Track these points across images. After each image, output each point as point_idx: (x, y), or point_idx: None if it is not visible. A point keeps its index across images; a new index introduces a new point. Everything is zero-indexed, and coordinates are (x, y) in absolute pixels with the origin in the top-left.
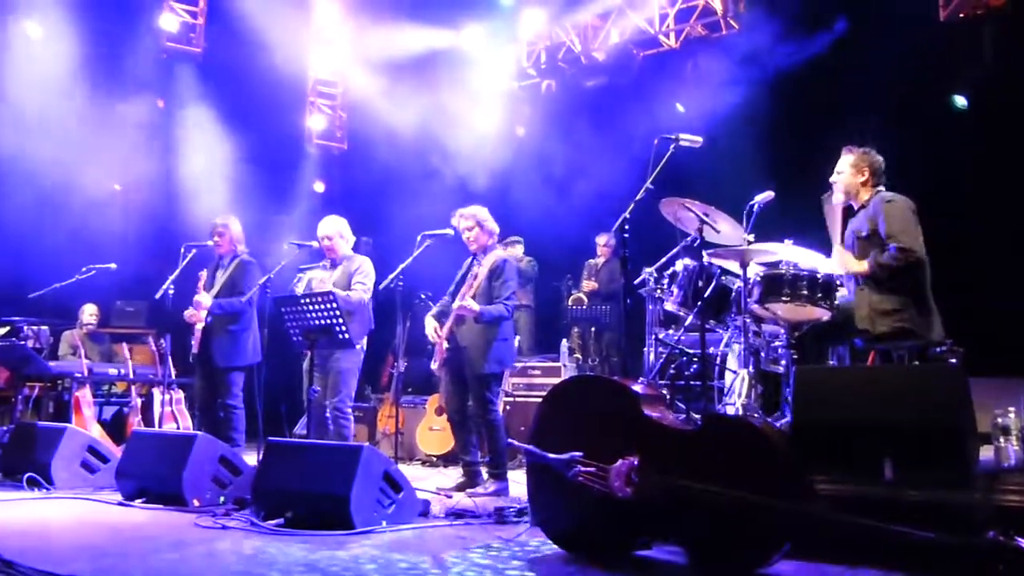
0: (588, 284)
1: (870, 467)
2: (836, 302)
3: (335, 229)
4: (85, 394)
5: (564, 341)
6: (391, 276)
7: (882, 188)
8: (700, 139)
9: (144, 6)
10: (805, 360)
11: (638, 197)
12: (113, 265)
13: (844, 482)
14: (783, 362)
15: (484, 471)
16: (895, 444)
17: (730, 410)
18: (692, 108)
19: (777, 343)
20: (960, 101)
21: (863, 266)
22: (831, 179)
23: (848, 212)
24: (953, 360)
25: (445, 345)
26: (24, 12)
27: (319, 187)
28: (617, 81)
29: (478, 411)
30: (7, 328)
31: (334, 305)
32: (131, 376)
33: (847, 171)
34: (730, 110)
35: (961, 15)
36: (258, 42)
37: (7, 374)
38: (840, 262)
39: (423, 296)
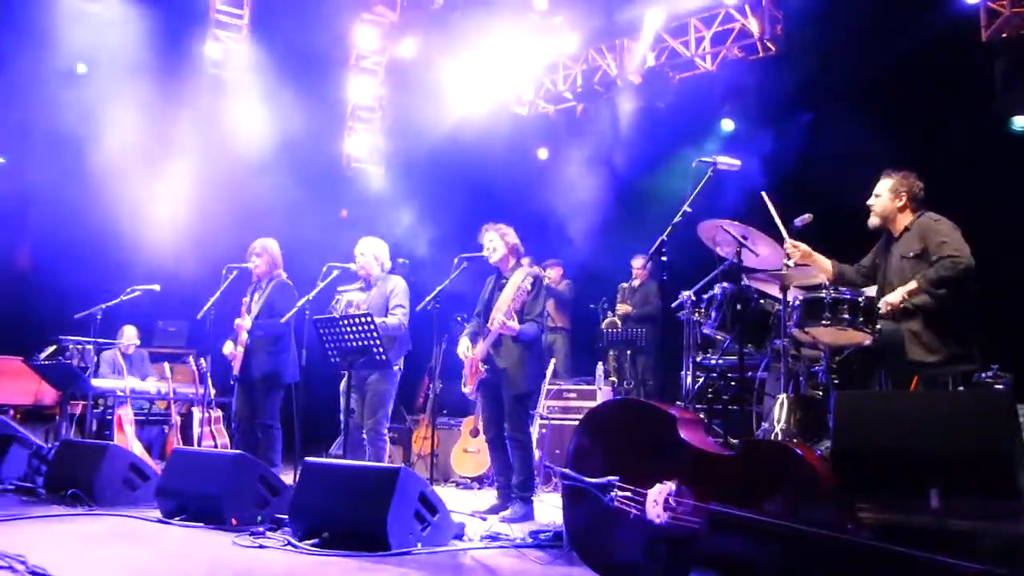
0: (622, 307)
1: (915, 495)
2: (878, 326)
3: (370, 250)
4: (127, 412)
5: (600, 364)
6: (428, 298)
7: (925, 212)
8: (738, 162)
9: (191, 34)
10: (848, 385)
11: (676, 220)
12: (157, 286)
13: (888, 510)
14: (823, 387)
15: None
16: (941, 472)
17: (769, 435)
18: (731, 129)
19: (817, 367)
20: (1019, 123)
21: (913, 285)
22: (868, 202)
23: (877, 236)
24: (1000, 386)
25: (482, 367)
26: (72, 53)
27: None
28: (653, 104)
29: (513, 431)
30: (53, 347)
31: (372, 327)
32: (171, 395)
33: (885, 195)
34: (769, 132)
35: (1004, 35)
36: (300, 69)
37: (53, 392)
38: (892, 295)
39: (459, 318)
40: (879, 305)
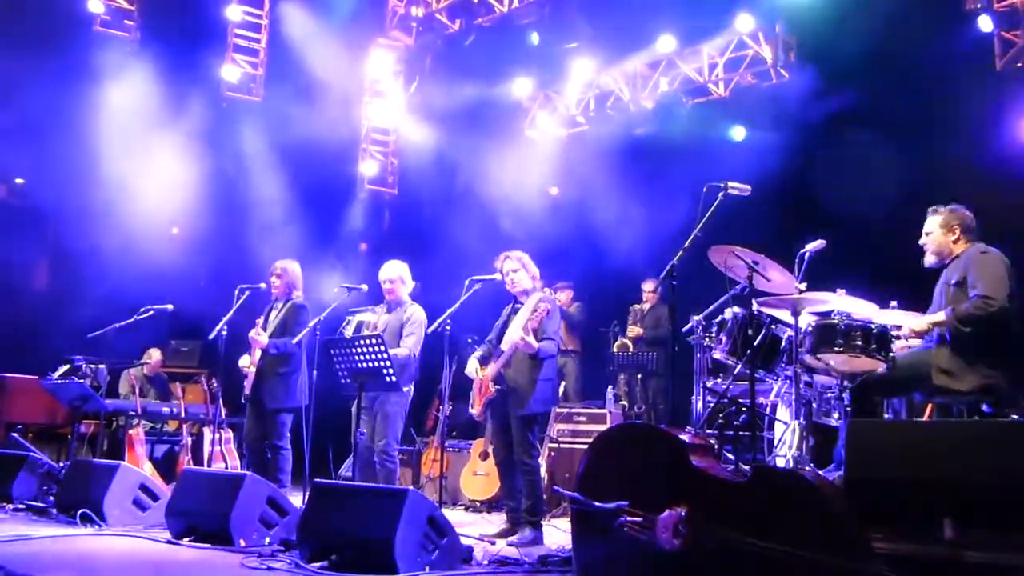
0: (633, 330)
1: (928, 526)
2: (892, 353)
3: (397, 273)
4: (138, 432)
5: (610, 388)
6: (439, 320)
7: (977, 242)
8: (749, 187)
9: (207, 57)
10: (859, 412)
11: (686, 244)
12: (170, 306)
13: (901, 540)
14: (835, 414)
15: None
16: (957, 503)
17: (780, 462)
18: (741, 156)
19: (829, 394)
20: None
21: (941, 316)
22: (920, 242)
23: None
24: (1015, 416)
25: (493, 387)
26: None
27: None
28: (666, 129)
29: (520, 453)
30: (67, 366)
31: (382, 348)
32: (183, 415)
33: (937, 231)
34: (781, 158)
35: (1018, 64)
36: (315, 92)
37: (66, 411)
38: (917, 321)
39: (470, 340)
40: (903, 331)
